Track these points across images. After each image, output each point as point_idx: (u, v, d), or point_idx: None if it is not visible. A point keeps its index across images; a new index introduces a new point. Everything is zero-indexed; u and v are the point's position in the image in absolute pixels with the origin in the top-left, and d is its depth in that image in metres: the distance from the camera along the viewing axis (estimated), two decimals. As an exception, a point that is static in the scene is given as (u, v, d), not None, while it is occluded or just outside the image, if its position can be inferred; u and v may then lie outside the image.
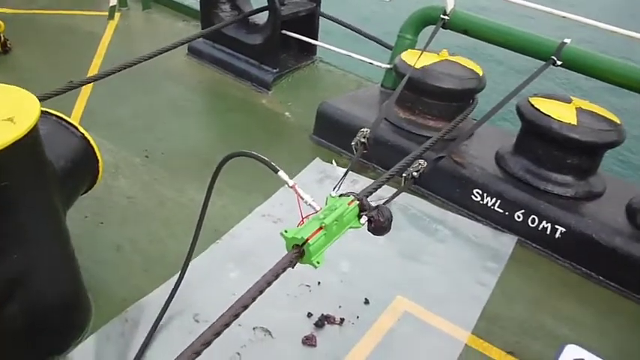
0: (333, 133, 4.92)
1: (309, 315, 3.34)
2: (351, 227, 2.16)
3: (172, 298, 3.23)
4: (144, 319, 3.22)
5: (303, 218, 2.06)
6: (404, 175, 2.95)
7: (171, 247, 3.79)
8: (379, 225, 2.23)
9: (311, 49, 6.20)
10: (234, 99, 5.75)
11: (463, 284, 3.68)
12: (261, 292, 1.72)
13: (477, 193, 4.20)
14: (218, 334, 1.56)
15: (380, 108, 4.96)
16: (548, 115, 3.93)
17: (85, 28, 6.87)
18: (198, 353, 1.49)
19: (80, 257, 3.23)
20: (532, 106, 4.05)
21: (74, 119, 5.03)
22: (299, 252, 1.89)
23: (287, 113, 5.52)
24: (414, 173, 2.94)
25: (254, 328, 3.24)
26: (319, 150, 4.97)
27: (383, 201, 2.43)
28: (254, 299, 1.70)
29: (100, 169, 3.27)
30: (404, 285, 3.63)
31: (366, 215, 2.18)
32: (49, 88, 5.21)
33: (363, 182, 4.44)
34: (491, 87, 4.84)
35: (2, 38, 5.97)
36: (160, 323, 3.18)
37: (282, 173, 2.18)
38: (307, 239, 1.88)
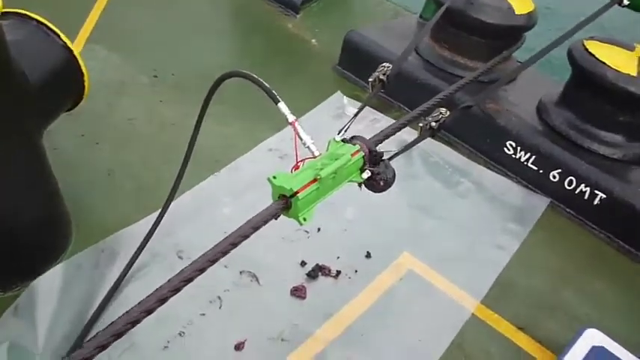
0: (359, 66, 4.46)
1: (303, 264, 3.04)
2: (350, 181, 1.83)
3: (154, 230, 2.96)
4: (123, 252, 2.97)
5: (297, 162, 1.73)
6: (420, 124, 2.53)
7: (166, 174, 3.45)
8: (378, 187, 1.89)
9: (348, -29, 5.64)
10: (257, 21, 5.30)
11: (479, 246, 3.30)
12: (244, 238, 1.46)
13: (510, 145, 3.73)
14: (188, 280, 1.33)
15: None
16: (603, 62, 3.38)
17: None
18: (176, 290, 1.29)
19: (69, 179, 3.04)
20: (586, 50, 3.50)
21: (85, 29, 4.77)
22: (285, 204, 1.57)
23: (313, 40, 5.05)
24: (432, 123, 2.50)
25: (241, 272, 2.97)
26: (342, 83, 4.54)
27: (391, 152, 2.06)
28: (235, 245, 1.44)
29: (86, 85, 2.96)
30: (413, 240, 3.28)
31: (369, 170, 1.83)
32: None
33: (384, 122, 4.01)
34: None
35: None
36: (140, 257, 2.93)
37: (282, 105, 1.84)
38: (297, 192, 1.55)
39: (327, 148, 1.81)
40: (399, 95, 4.21)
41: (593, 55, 3.44)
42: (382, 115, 4.13)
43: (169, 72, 4.41)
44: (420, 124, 2.48)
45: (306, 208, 1.60)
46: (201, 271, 1.40)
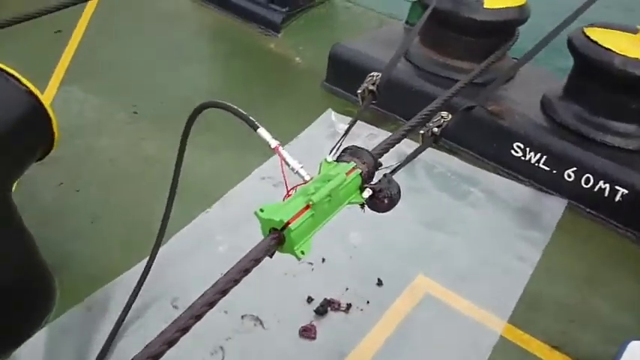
0: (348, 80, 4.24)
1: (310, 300, 2.79)
2: (350, 203, 1.61)
3: (144, 280, 2.71)
4: (113, 305, 2.72)
5: (288, 190, 1.52)
6: (421, 132, 2.31)
7: (155, 214, 3.21)
8: (382, 205, 1.67)
9: (326, -16, 5.46)
10: (239, 44, 5.11)
11: (498, 259, 3.06)
12: (235, 283, 1.26)
13: (518, 147, 3.51)
14: (171, 343, 1.11)
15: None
16: (609, 49, 3.18)
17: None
18: (157, 356, 1.08)
19: (48, 232, 2.87)
20: (588, 38, 3.29)
21: (58, 72, 4.55)
22: (277, 238, 1.34)
23: (297, 58, 4.86)
24: (434, 129, 2.28)
25: (243, 317, 2.72)
26: (332, 99, 4.33)
27: (391, 166, 1.83)
28: (224, 293, 1.22)
29: (56, 132, 2.72)
30: (426, 261, 3.03)
31: (370, 188, 1.61)
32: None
33: (382, 136, 3.75)
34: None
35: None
36: (132, 310, 2.68)
37: (262, 131, 1.64)
38: (288, 223, 1.33)
39: (318, 171, 1.60)
40: (394, 106, 3.99)
41: (596, 42, 3.24)
42: (378, 129, 3.92)
43: (150, 106, 4.20)
44: (421, 132, 2.26)
45: (303, 240, 1.39)
46: (185, 330, 1.17)
